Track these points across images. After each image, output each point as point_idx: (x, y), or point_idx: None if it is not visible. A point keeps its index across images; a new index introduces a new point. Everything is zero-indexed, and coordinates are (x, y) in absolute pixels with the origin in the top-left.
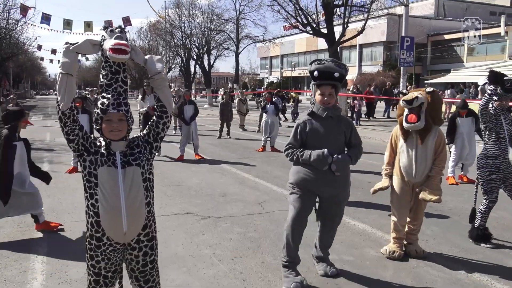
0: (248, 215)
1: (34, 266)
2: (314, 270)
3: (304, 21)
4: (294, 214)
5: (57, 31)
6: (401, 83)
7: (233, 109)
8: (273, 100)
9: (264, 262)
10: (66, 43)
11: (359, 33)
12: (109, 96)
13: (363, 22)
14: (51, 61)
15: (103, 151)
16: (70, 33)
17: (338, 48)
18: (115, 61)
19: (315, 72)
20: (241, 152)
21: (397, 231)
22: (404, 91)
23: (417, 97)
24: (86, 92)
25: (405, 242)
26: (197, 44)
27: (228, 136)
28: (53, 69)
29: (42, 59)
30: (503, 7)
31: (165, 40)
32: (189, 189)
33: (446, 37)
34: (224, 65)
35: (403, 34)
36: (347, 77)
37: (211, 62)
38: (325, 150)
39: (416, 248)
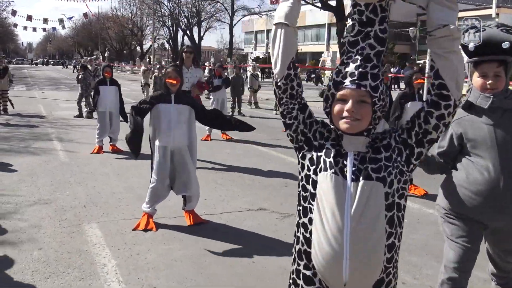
0: None
1: None
2: None
3: None
4: (452, 256)
5: None
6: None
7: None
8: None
9: (405, 283)
10: None
11: None
12: (350, 61)
13: None
14: (25, 28)
15: (329, 146)
16: None
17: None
18: (363, 1)
19: (471, 45)
20: (268, 132)
21: None
22: None
23: None
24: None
25: None
26: (186, 14)
27: (240, 114)
28: (26, 37)
29: (15, 25)
30: None
31: (151, 9)
32: (242, 178)
33: None
34: (206, 39)
35: None
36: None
37: (201, 34)
38: None
39: None
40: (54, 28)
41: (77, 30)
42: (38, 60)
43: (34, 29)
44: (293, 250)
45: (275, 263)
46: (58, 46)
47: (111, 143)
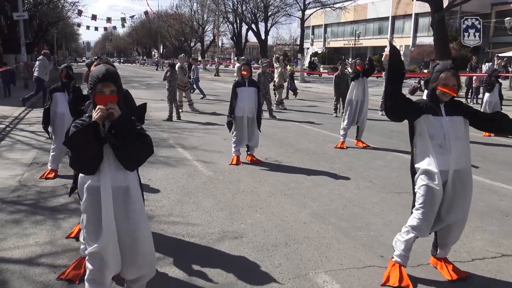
0: None
1: None
2: None
3: None
4: None
5: None
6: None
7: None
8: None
9: None
10: None
11: None
12: None
13: None
14: (88, 27)
15: None
16: None
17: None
18: None
19: None
20: (395, 136)
21: None
22: None
23: None
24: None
25: None
26: (251, 9)
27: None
28: (86, 36)
29: (79, 25)
30: None
31: (216, 5)
32: None
33: None
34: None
35: None
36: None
37: (268, 29)
38: None
39: None
40: (114, 27)
41: (135, 28)
42: None
43: (96, 28)
44: None
45: None
46: (116, 44)
47: (248, 152)
